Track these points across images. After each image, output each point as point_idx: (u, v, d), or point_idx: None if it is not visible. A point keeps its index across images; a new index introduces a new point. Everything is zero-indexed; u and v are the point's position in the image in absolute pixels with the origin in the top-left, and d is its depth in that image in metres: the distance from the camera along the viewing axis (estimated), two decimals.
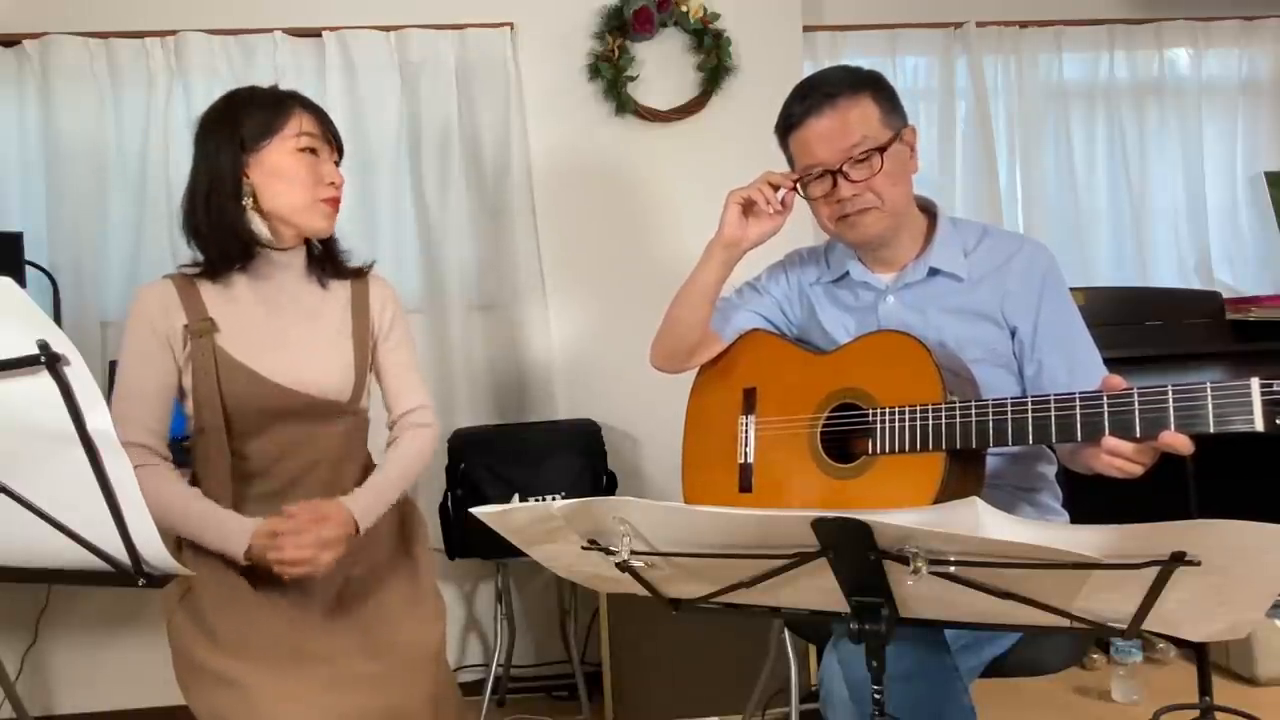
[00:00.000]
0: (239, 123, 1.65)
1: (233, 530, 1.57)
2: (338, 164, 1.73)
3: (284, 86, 1.73)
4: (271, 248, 1.68)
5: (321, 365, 1.69)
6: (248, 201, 1.65)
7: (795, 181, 1.65)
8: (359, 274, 1.80)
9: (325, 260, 1.77)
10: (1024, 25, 3.20)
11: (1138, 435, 1.26)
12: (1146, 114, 3.27)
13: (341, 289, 1.77)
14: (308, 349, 1.69)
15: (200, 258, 1.68)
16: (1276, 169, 3.28)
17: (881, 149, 1.56)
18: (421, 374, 1.85)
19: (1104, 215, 3.26)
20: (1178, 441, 1.23)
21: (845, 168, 1.57)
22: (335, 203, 1.70)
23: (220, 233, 1.65)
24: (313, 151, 1.67)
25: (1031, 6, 3.22)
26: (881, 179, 1.57)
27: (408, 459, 1.77)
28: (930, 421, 1.43)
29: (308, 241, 1.74)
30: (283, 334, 1.68)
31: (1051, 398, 1.34)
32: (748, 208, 1.68)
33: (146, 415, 1.62)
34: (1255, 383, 1.16)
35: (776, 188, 1.66)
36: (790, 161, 1.69)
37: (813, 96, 1.60)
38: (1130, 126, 3.26)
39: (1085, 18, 3.23)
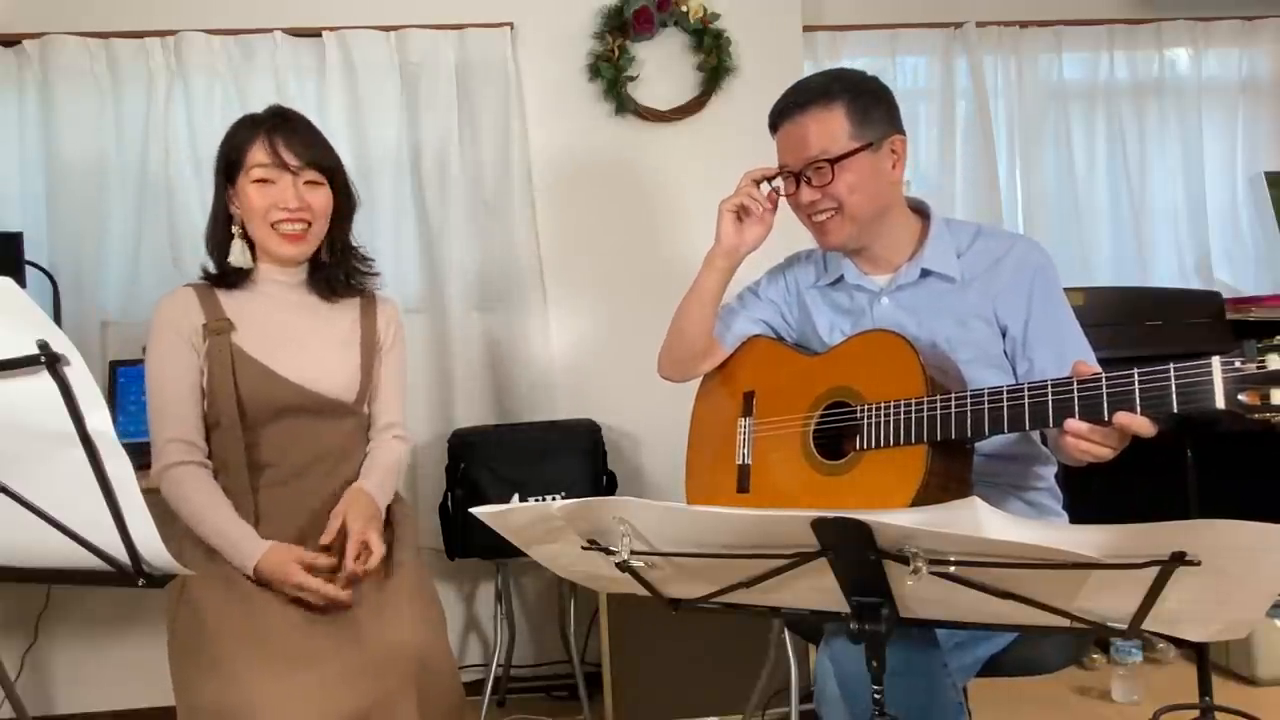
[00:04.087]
0: (221, 155, 1.76)
1: (244, 552, 1.63)
2: (313, 182, 1.75)
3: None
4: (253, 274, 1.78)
5: (330, 366, 1.78)
6: (237, 230, 1.76)
7: (775, 175, 1.70)
8: (364, 293, 1.88)
9: (326, 279, 1.83)
10: (1024, 25, 3.19)
11: (1106, 418, 1.28)
12: (1146, 114, 3.27)
13: (349, 302, 1.86)
14: (318, 350, 1.78)
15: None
16: (1276, 169, 3.28)
17: (834, 160, 1.58)
18: (406, 397, 1.93)
19: (1104, 215, 3.26)
20: (1133, 422, 1.26)
21: (807, 172, 1.61)
22: (294, 226, 1.73)
23: (213, 256, 1.80)
24: (268, 181, 1.72)
25: (1031, 6, 3.22)
26: (840, 187, 1.59)
27: (386, 465, 1.83)
28: (912, 415, 1.46)
29: (315, 258, 1.81)
30: (295, 336, 1.77)
31: (1025, 386, 1.36)
32: (740, 213, 1.73)
33: (184, 411, 1.71)
34: (1216, 361, 1.20)
35: (759, 182, 1.72)
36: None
37: (789, 100, 1.64)
38: (1130, 126, 3.25)
39: (1085, 18, 3.22)
